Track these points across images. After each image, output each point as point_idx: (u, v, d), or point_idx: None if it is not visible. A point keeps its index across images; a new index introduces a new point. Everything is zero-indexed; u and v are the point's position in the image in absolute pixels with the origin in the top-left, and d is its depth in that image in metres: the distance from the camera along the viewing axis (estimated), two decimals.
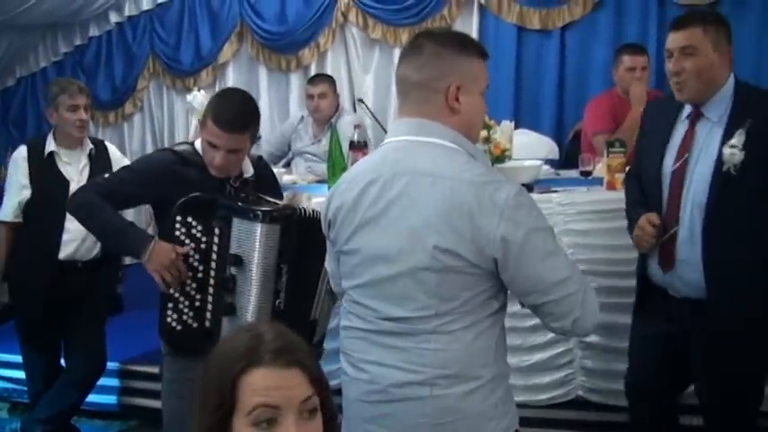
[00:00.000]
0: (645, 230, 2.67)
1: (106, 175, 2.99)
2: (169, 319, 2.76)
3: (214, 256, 2.73)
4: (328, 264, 2.16)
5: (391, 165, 1.89)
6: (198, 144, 2.87)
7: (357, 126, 4.11)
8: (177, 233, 2.72)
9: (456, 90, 1.89)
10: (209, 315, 2.75)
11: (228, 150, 2.74)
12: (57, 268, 3.28)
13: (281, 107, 6.28)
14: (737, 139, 2.52)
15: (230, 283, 2.69)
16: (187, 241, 2.72)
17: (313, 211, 2.85)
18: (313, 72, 5.89)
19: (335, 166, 3.85)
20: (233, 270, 2.69)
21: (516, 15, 5.46)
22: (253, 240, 2.68)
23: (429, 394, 1.86)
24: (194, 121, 4.24)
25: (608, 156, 3.49)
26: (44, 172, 3.63)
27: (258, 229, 2.67)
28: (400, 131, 1.95)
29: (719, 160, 2.55)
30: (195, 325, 2.76)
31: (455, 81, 1.89)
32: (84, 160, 3.72)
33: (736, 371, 2.66)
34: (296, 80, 6.17)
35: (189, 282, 2.74)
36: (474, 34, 5.58)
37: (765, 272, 2.63)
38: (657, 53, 5.08)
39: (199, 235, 2.73)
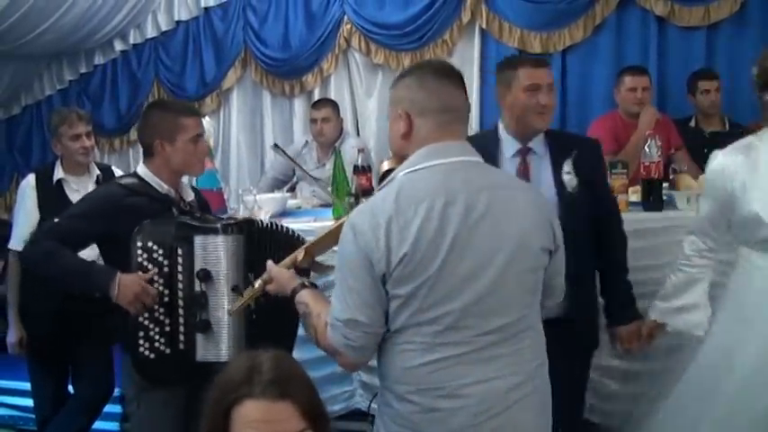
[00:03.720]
0: None
1: (56, 220, 2.98)
2: (141, 349, 2.76)
3: (180, 277, 2.75)
4: (363, 309, 1.92)
5: (463, 184, 1.94)
6: (142, 172, 2.93)
7: (361, 150, 4.14)
8: (139, 259, 2.74)
9: None
10: (181, 337, 2.75)
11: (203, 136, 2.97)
12: (64, 294, 3.29)
13: (284, 132, 6.31)
14: (568, 166, 2.86)
15: (202, 299, 2.72)
16: (150, 266, 2.74)
17: (271, 222, 3.00)
18: (316, 97, 5.93)
19: (339, 190, 3.87)
20: (203, 286, 2.72)
21: (517, 39, 5.49)
22: (218, 254, 2.72)
23: (531, 389, 1.99)
24: None
25: (611, 177, 3.52)
26: (53, 199, 3.65)
27: (221, 241, 2.72)
28: (452, 153, 1.99)
29: (561, 186, 2.85)
30: (168, 351, 2.76)
31: None
32: (92, 186, 3.73)
33: (584, 382, 3.07)
34: (300, 105, 6.21)
35: (156, 307, 2.74)
36: (475, 58, 5.66)
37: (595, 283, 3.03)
38: (658, 75, 5.14)
39: (161, 258, 2.75)
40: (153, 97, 6.44)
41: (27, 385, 4.00)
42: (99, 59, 6.72)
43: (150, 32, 6.52)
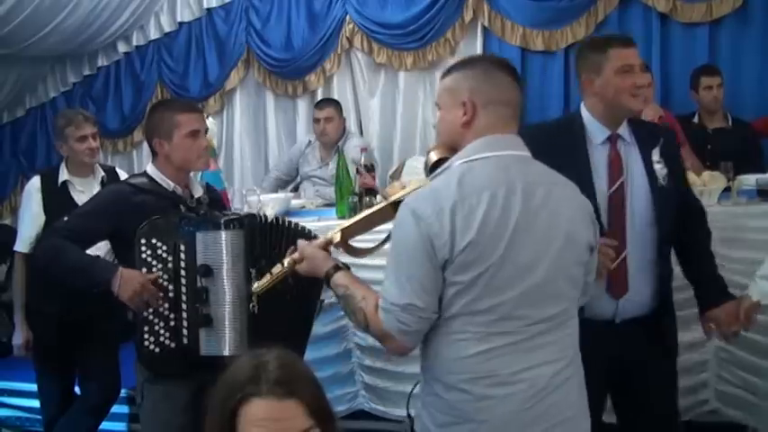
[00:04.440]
0: (608, 255, 2.45)
1: (65, 218, 3.03)
2: (147, 343, 2.80)
3: (183, 273, 2.79)
4: (420, 294, 1.92)
5: (520, 175, 1.97)
6: (151, 171, 2.99)
7: (364, 149, 4.16)
8: (144, 256, 2.79)
9: None
10: (185, 332, 2.79)
11: (203, 133, 2.97)
12: (70, 295, 3.30)
13: (288, 132, 6.33)
14: (656, 155, 2.71)
15: (203, 294, 2.76)
16: (154, 263, 2.79)
17: (276, 217, 3.00)
18: (319, 97, 5.93)
19: (343, 190, 3.88)
20: (204, 281, 2.76)
21: (520, 37, 5.49)
22: (219, 249, 2.76)
23: (572, 372, 2.03)
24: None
25: None
26: (58, 201, 3.66)
27: (222, 236, 2.76)
28: (509, 146, 2.03)
29: (652, 176, 2.68)
30: (173, 345, 2.80)
31: None
32: (97, 187, 3.75)
33: (674, 381, 2.87)
34: (303, 105, 6.22)
35: (161, 302, 2.78)
36: None
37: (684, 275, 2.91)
38: (661, 72, 5.14)
39: (165, 255, 2.80)
40: (156, 99, 6.45)
41: (33, 387, 4.02)
42: (102, 61, 6.75)
43: (153, 34, 6.55)
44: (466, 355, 1.93)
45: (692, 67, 5.02)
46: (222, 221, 2.78)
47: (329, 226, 3.72)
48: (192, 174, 3.13)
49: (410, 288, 1.91)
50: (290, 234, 2.98)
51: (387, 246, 2.36)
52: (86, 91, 6.88)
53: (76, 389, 3.93)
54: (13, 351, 3.91)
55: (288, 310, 2.92)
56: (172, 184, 2.96)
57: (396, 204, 2.23)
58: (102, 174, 3.85)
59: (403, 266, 1.94)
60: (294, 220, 3.64)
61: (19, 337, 3.83)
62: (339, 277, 2.15)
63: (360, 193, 3.85)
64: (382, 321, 1.96)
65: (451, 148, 2.08)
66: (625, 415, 2.83)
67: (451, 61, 5.62)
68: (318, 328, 3.75)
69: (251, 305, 2.76)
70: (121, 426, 4.34)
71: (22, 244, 3.74)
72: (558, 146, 2.58)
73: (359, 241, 2.39)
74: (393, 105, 5.95)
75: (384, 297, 1.97)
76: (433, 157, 2.13)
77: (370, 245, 2.42)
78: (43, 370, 3.87)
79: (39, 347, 3.83)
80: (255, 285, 2.38)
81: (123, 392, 3.94)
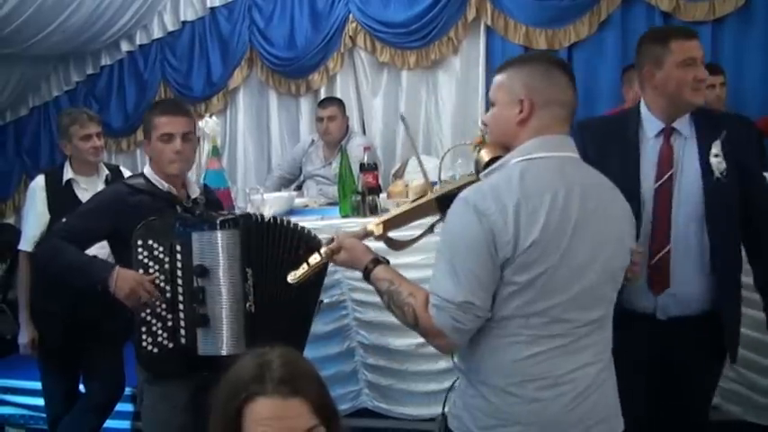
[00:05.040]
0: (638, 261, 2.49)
1: (64, 219, 3.06)
2: (145, 344, 2.82)
3: (179, 273, 2.81)
4: (478, 292, 1.88)
5: (576, 177, 1.96)
6: (147, 171, 3.01)
7: (367, 148, 4.15)
8: (140, 257, 2.81)
9: None
10: (182, 332, 2.81)
11: (182, 136, 2.92)
12: (74, 294, 3.31)
13: (291, 131, 6.33)
14: (716, 148, 2.61)
15: (200, 294, 2.78)
16: (151, 264, 2.81)
17: (274, 217, 3.00)
18: (322, 96, 5.93)
19: (346, 189, 3.88)
20: (200, 281, 2.78)
21: (523, 36, 5.48)
22: (215, 249, 2.78)
23: (609, 373, 2.05)
24: (206, 147, 4.28)
25: None
26: (63, 200, 3.66)
27: (218, 236, 2.77)
28: (564, 147, 2.02)
29: (707, 170, 2.61)
30: (171, 345, 2.82)
31: None
32: (102, 186, 3.75)
33: (714, 383, 2.87)
34: (306, 104, 6.23)
35: (159, 303, 2.80)
36: (481, 56, 5.65)
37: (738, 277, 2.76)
38: None
39: (161, 256, 2.82)
40: (159, 97, 6.46)
41: (37, 384, 4.02)
42: (106, 60, 6.76)
43: (156, 33, 6.56)
44: (517, 359, 1.92)
45: None
46: (218, 221, 2.79)
47: (332, 225, 3.74)
48: (189, 174, 3.14)
49: (468, 285, 1.87)
50: (287, 233, 2.99)
51: (424, 240, 2.35)
52: (90, 90, 6.89)
53: (81, 387, 3.94)
54: (17, 349, 3.93)
55: (286, 309, 2.94)
56: (166, 185, 2.98)
57: (440, 199, 2.22)
58: (107, 172, 3.86)
59: (461, 262, 1.89)
60: (297, 218, 3.66)
61: (24, 336, 3.84)
62: (381, 271, 2.09)
63: (363, 192, 3.85)
64: (434, 318, 1.91)
65: (503, 146, 2.05)
66: (655, 411, 2.80)
67: (454, 60, 5.72)
68: (321, 326, 3.76)
69: (248, 304, 2.79)
70: (125, 424, 4.34)
71: (27, 243, 3.74)
72: (611, 139, 2.61)
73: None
74: (396, 104, 5.95)
75: (436, 293, 1.91)
76: (485, 156, 2.08)
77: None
78: (48, 368, 3.87)
79: (44, 346, 3.83)
80: (291, 276, 2.27)
81: (127, 391, 3.94)
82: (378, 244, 2.29)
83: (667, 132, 2.67)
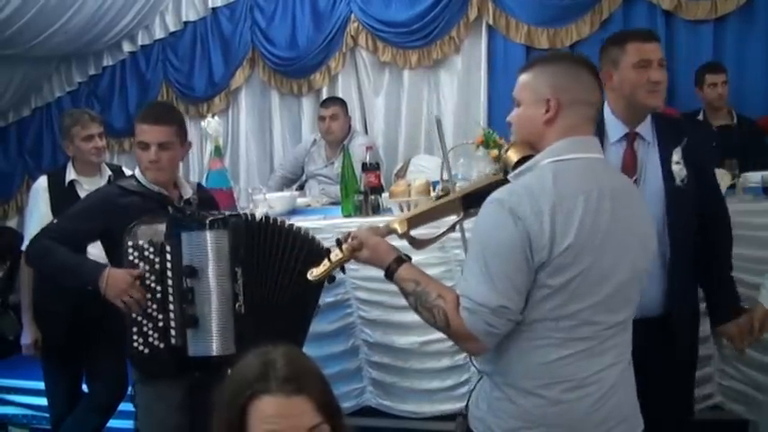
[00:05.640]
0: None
1: (55, 220, 3.09)
2: (136, 344, 2.83)
3: (169, 274, 2.81)
4: (512, 295, 1.85)
5: (606, 179, 1.96)
6: (138, 174, 3.01)
7: (369, 148, 4.16)
8: (131, 257, 2.82)
9: None
10: (173, 332, 2.81)
11: (159, 146, 2.91)
12: (77, 294, 3.32)
13: (293, 131, 6.34)
14: (677, 155, 2.65)
15: (189, 295, 2.77)
16: (141, 264, 2.82)
17: (265, 217, 3.01)
18: (324, 96, 5.94)
19: (348, 188, 3.88)
20: (189, 282, 2.77)
21: (524, 35, 5.48)
22: (203, 249, 2.78)
23: (630, 372, 2.05)
24: (209, 147, 4.28)
25: None
26: (66, 200, 3.64)
27: (207, 236, 2.77)
28: (592, 148, 2.00)
29: (669, 176, 2.64)
30: (162, 345, 2.82)
31: None
32: None
33: (689, 382, 2.88)
34: (308, 104, 6.23)
35: (149, 303, 2.81)
36: (483, 55, 5.66)
37: (696, 280, 2.82)
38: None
39: (152, 256, 2.82)
40: (162, 98, 6.49)
41: (40, 384, 4.03)
42: (108, 61, 6.78)
43: (158, 33, 6.58)
44: (546, 361, 1.91)
45: (697, 64, 5.03)
46: (207, 221, 2.79)
47: (335, 224, 3.74)
48: (180, 174, 3.14)
49: (503, 288, 1.84)
50: (279, 233, 3.00)
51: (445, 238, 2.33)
52: (92, 90, 6.91)
53: (84, 387, 3.95)
54: (20, 349, 3.94)
55: (281, 309, 2.94)
56: (156, 187, 2.99)
57: (464, 198, 2.21)
58: (110, 173, 3.86)
59: (495, 266, 1.85)
60: (300, 218, 3.67)
61: (27, 337, 3.85)
62: (405, 271, 2.04)
63: (365, 191, 3.85)
64: (466, 322, 1.87)
65: (529, 146, 2.02)
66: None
67: (456, 59, 5.72)
68: (325, 325, 3.77)
69: (237, 305, 2.79)
70: (128, 423, 4.33)
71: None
72: None
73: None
74: (398, 104, 5.95)
75: (468, 296, 1.88)
76: (513, 156, 2.03)
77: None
78: (51, 368, 3.88)
79: (47, 346, 3.84)
80: (312, 273, 2.20)
81: (130, 391, 3.94)
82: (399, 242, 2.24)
83: (631, 137, 2.68)
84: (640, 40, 2.65)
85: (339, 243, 2.17)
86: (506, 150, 2.08)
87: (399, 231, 2.19)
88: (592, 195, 1.88)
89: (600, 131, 2.64)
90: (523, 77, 2.06)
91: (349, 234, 2.17)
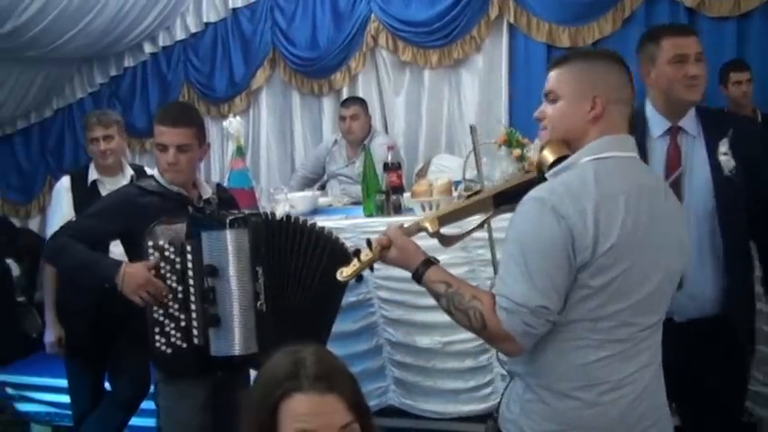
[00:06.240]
0: None
1: (74, 218, 3.11)
2: (158, 344, 2.83)
3: (190, 273, 2.81)
4: (552, 295, 1.82)
5: (643, 178, 1.95)
6: (156, 174, 3.02)
7: (390, 147, 4.15)
8: (151, 257, 2.82)
9: None
10: (195, 332, 2.82)
11: (177, 148, 2.89)
12: (101, 293, 3.33)
13: (314, 131, 6.34)
14: (724, 147, 2.60)
15: (210, 294, 2.77)
16: (162, 264, 2.81)
17: (286, 216, 3.00)
18: (345, 96, 5.93)
19: (370, 188, 3.88)
20: (210, 281, 2.77)
21: (546, 34, 5.45)
22: (224, 248, 2.77)
23: (660, 375, 2.02)
24: (230, 147, 4.30)
25: None
26: (88, 200, 3.65)
27: (227, 236, 2.77)
28: (629, 147, 1.98)
29: (717, 167, 2.60)
30: (184, 345, 2.83)
31: None
32: None
33: (743, 382, 2.79)
34: (328, 104, 6.23)
35: (171, 303, 2.81)
36: (504, 54, 5.63)
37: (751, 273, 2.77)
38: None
39: (172, 256, 2.82)
40: (183, 98, 6.50)
41: (63, 382, 4.06)
42: (129, 62, 6.81)
43: (179, 34, 6.59)
44: (583, 363, 1.88)
45: (721, 61, 4.98)
46: (227, 221, 2.79)
47: (356, 224, 3.74)
48: (201, 174, 3.14)
49: (543, 288, 1.81)
50: (301, 232, 3.00)
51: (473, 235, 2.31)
52: (113, 91, 6.93)
53: (106, 385, 3.96)
54: (43, 347, 3.97)
55: (303, 308, 2.94)
56: (176, 186, 2.99)
57: (495, 197, 2.19)
58: (132, 173, 3.88)
59: (536, 265, 1.82)
60: (321, 218, 3.66)
61: (50, 335, 3.87)
62: (434, 273, 2.00)
63: (387, 191, 3.84)
64: (504, 323, 1.84)
65: (565, 143, 1.98)
66: (686, 421, 2.79)
67: (477, 58, 5.69)
68: (348, 324, 3.77)
69: (258, 303, 2.78)
70: (150, 421, 4.35)
71: None
72: None
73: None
74: (418, 103, 5.93)
75: (506, 296, 1.84)
76: (550, 156, 1.98)
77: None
78: (74, 366, 3.90)
79: (70, 344, 3.86)
80: (341, 273, 2.15)
81: (153, 389, 3.95)
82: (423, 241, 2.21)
83: (674, 131, 2.66)
84: (675, 34, 2.64)
85: (369, 243, 2.13)
86: (541, 149, 2.03)
87: (430, 230, 2.15)
88: (631, 195, 1.86)
89: (642, 127, 2.64)
90: (563, 72, 2.00)
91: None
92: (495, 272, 2.38)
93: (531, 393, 1.95)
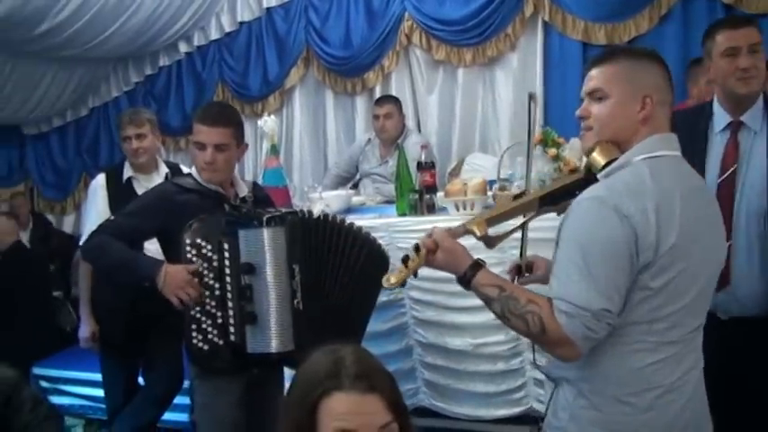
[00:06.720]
0: None
1: (112, 217, 3.13)
2: (195, 341, 2.84)
3: (227, 271, 2.82)
4: (614, 298, 1.79)
5: (693, 178, 1.95)
6: (194, 171, 3.03)
7: (424, 146, 4.13)
8: (189, 255, 2.83)
9: None
10: (232, 329, 2.82)
11: (215, 147, 2.91)
12: (135, 291, 3.35)
13: (347, 130, 6.35)
14: None
15: (247, 292, 2.78)
16: (199, 262, 2.82)
17: (323, 214, 3.01)
18: (378, 94, 5.93)
19: (403, 187, 3.86)
20: (247, 279, 2.78)
21: (581, 31, 5.39)
22: (261, 246, 2.78)
23: (702, 377, 1.98)
24: (264, 146, 4.30)
25: None
26: (124, 197, 3.68)
27: (264, 234, 2.77)
28: (676, 146, 1.96)
29: None
30: (221, 342, 2.83)
31: None
32: None
33: None
34: (361, 103, 6.23)
35: (208, 300, 2.82)
36: (539, 52, 5.58)
37: None
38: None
39: (210, 254, 2.83)
40: (217, 97, 6.56)
41: (96, 376, 4.10)
42: (164, 61, 6.87)
43: (214, 34, 6.64)
44: (640, 367, 1.85)
45: None
46: (264, 219, 2.79)
47: (389, 223, 3.73)
48: (236, 172, 3.15)
49: (606, 291, 1.77)
50: (339, 231, 3.00)
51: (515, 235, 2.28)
52: (148, 90, 7.01)
53: (140, 379, 4.00)
54: (77, 341, 4.01)
55: (339, 308, 2.94)
56: (212, 185, 3.00)
57: (542, 198, 2.17)
58: (167, 170, 3.90)
59: (597, 266, 1.77)
60: (355, 217, 3.65)
61: (85, 330, 3.91)
62: (485, 277, 1.95)
63: (420, 190, 3.83)
64: (564, 327, 1.79)
65: (615, 145, 1.94)
66: (721, 420, 2.74)
67: (512, 57, 5.65)
68: (379, 324, 3.75)
69: (295, 301, 2.78)
70: (183, 416, 4.39)
71: None
72: (683, 133, 2.55)
73: None
74: (452, 102, 5.90)
75: (566, 299, 1.80)
76: (601, 159, 1.94)
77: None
78: (108, 360, 3.94)
79: (105, 339, 3.90)
80: (388, 280, 2.04)
81: (186, 383, 3.98)
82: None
83: (735, 126, 2.62)
84: (728, 27, 2.63)
85: (417, 248, 2.05)
86: (589, 152, 1.98)
87: (478, 233, 2.11)
88: (684, 193, 1.83)
89: (707, 121, 2.64)
90: (610, 70, 1.96)
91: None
92: (522, 271, 2.34)
93: (584, 399, 1.91)
